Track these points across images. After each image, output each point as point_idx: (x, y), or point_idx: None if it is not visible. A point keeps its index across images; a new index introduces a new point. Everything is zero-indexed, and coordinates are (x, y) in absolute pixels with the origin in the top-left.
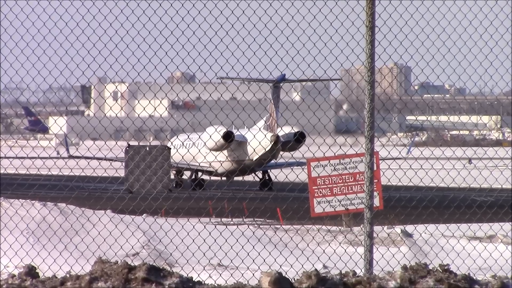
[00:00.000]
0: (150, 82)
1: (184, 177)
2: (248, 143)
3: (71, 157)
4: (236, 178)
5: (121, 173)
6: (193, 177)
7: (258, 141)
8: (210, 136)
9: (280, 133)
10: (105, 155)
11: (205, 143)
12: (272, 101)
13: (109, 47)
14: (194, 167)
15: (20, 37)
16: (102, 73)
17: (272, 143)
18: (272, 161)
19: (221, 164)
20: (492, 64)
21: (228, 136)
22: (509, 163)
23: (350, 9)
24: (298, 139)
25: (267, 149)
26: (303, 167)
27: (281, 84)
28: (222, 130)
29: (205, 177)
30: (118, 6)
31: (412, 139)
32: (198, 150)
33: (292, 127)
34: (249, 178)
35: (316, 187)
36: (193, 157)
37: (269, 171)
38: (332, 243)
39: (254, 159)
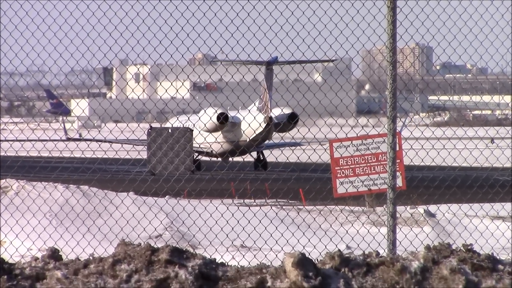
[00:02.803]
0: (172, 64)
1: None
2: (242, 125)
3: (69, 139)
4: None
5: (144, 155)
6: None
7: (251, 122)
8: (200, 118)
9: (273, 115)
10: (128, 137)
11: (204, 125)
12: (264, 83)
13: (130, 29)
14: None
15: (41, 19)
16: (124, 56)
17: (264, 124)
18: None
19: (210, 145)
20: None
21: (223, 118)
22: None
23: None
24: (290, 120)
25: (260, 130)
26: (294, 148)
27: (273, 66)
28: (217, 111)
29: (201, 158)
30: None
31: (404, 121)
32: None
33: (282, 109)
34: (239, 159)
35: (339, 167)
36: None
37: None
38: (355, 223)
39: (247, 140)
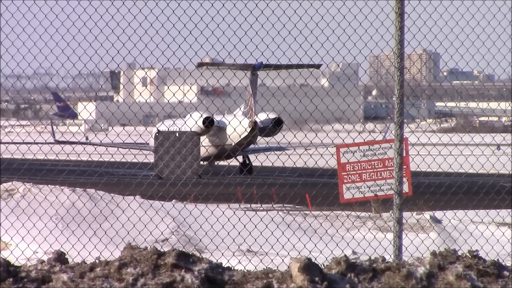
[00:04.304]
0: (180, 68)
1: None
2: (227, 129)
3: (57, 142)
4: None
5: (151, 159)
6: None
7: (236, 127)
8: (187, 122)
9: (258, 119)
10: (135, 141)
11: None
12: (250, 87)
13: (138, 33)
14: None
15: (49, 22)
16: (132, 59)
17: (249, 128)
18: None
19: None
20: None
21: (209, 122)
22: None
23: None
24: (275, 125)
25: (245, 134)
26: (283, 152)
27: (258, 72)
28: (202, 116)
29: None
30: None
31: (387, 128)
32: None
33: (267, 114)
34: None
35: (346, 173)
36: None
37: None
38: (361, 229)
39: (232, 144)
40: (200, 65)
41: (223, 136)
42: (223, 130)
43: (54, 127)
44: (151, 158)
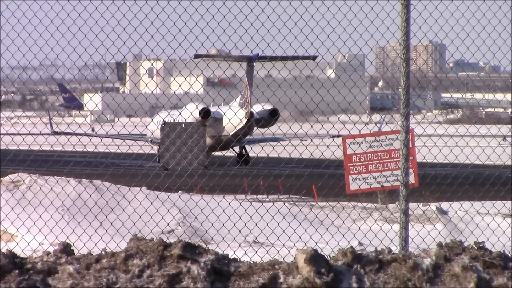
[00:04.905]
0: (186, 59)
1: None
2: (223, 120)
3: (54, 133)
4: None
5: (155, 150)
6: None
7: (232, 118)
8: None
9: (254, 111)
10: (141, 132)
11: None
12: (246, 79)
13: (145, 24)
14: None
15: (55, 13)
16: (138, 50)
17: (246, 119)
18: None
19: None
20: None
21: (205, 113)
22: None
23: None
24: (272, 116)
25: (241, 125)
26: (278, 142)
27: (254, 63)
28: (200, 106)
29: None
30: None
31: (382, 119)
32: None
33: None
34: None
35: (352, 164)
36: None
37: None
38: (367, 220)
39: (229, 135)
40: (196, 56)
41: (219, 127)
42: (219, 121)
43: (60, 118)
44: (155, 149)
